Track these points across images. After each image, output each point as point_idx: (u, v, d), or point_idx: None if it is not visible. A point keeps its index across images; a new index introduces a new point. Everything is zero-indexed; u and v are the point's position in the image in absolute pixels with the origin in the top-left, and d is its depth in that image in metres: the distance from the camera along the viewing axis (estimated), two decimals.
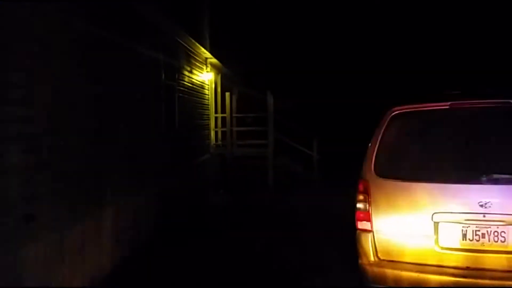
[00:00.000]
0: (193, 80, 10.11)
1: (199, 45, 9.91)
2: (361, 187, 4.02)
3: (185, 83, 9.40)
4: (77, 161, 4.58)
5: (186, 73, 9.55)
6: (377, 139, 4.07)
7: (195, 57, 10.34)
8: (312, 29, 19.24)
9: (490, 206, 3.58)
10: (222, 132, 12.80)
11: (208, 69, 11.65)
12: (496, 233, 3.59)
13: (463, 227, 3.66)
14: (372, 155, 4.06)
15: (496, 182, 3.62)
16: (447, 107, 3.94)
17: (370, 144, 4.13)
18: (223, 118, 12.71)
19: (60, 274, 4.18)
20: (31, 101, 3.81)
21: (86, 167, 4.76)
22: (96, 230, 4.95)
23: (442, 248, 3.72)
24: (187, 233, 6.91)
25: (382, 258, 3.92)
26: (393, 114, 4.10)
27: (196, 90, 10.47)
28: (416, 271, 3.74)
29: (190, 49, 9.81)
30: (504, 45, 14.57)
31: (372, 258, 3.94)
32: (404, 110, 4.10)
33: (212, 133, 12.19)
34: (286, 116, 12.60)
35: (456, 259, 3.68)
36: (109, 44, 5.43)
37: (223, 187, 11.05)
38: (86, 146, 4.80)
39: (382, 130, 4.07)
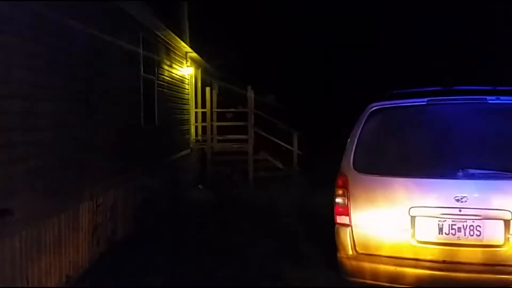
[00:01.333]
0: (173, 74, 10.04)
1: (178, 39, 9.83)
2: (340, 182, 4.06)
3: (165, 77, 9.33)
4: (53, 155, 4.50)
5: (166, 67, 9.47)
6: (356, 135, 4.11)
7: (175, 51, 10.26)
8: (294, 23, 19.25)
9: (466, 201, 3.65)
10: (202, 127, 12.74)
11: (188, 63, 11.57)
12: (471, 227, 3.66)
13: (439, 221, 3.72)
14: (351, 150, 4.10)
15: (472, 177, 3.69)
16: (424, 103, 4.00)
17: (349, 140, 4.17)
18: (203, 113, 12.65)
19: (37, 269, 4.11)
20: (4, 95, 3.72)
21: (63, 162, 4.69)
22: (73, 225, 4.88)
23: (419, 242, 3.78)
24: (165, 228, 6.87)
25: (360, 251, 3.97)
26: (372, 110, 4.15)
27: (176, 85, 10.39)
28: (393, 265, 3.80)
29: (170, 43, 9.73)
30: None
31: (350, 252, 3.99)
32: (382, 106, 4.15)
33: (192, 128, 12.12)
34: (267, 111, 12.60)
35: (432, 253, 3.75)
36: (86, 36, 5.35)
37: (203, 182, 11.01)
38: (63, 140, 4.72)
39: (361, 126, 4.11)
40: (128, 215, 6.64)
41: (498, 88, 4.05)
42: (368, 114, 4.13)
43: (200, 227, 7.04)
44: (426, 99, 4.00)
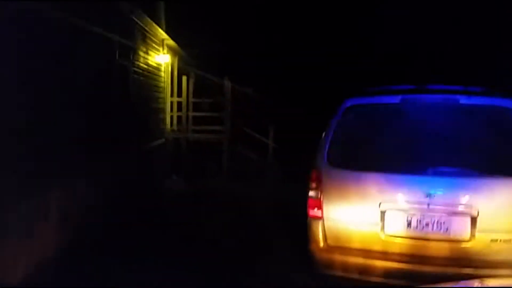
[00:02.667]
0: (149, 61, 9.91)
1: (156, 25, 9.69)
2: (313, 176, 4.12)
3: (141, 64, 9.20)
4: (18, 143, 4.37)
5: (142, 54, 9.34)
6: (331, 130, 4.18)
7: (151, 37, 10.11)
8: (274, 13, 19.16)
9: (434, 197, 3.75)
10: (178, 116, 12.64)
11: (165, 51, 11.42)
12: (439, 223, 3.77)
13: (408, 215, 3.82)
14: (325, 145, 4.17)
15: (441, 174, 3.81)
16: (398, 101, 4.09)
17: (324, 135, 4.23)
18: (179, 103, 12.55)
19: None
20: None
21: (29, 150, 4.54)
22: (37, 215, 4.75)
23: (388, 235, 3.87)
24: (136, 219, 6.72)
25: (331, 244, 4.04)
26: (347, 106, 4.22)
27: (152, 72, 10.27)
28: (363, 257, 3.88)
29: (146, 29, 9.58)
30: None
31: (321, 244, 4.06)
32: (357, 103, 4.22)
33: (168, 118, 12.01)
34: (245, 103, 12.60)
35: (401, 247, 3.85)
36: (58, 21, 5.22)
37: (177, 173, 10.96)
38: (31, 128, 4.59)
39: (336, 122, 4.19)
40: (100, 204, 6.55)
41: (470, 88, 4.15)
42: (343, 110, 4.21)
43: (172, 219, 6.97)
44: (400, 97, 4.09)
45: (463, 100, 3.96)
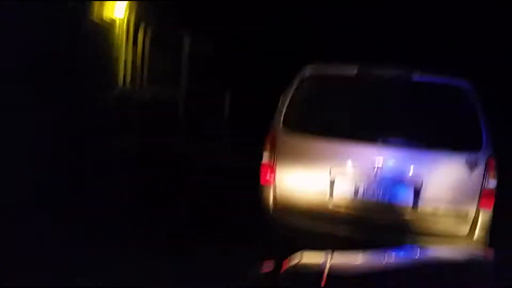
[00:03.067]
0: (103, 11, 9.43)
1: None
2: (268, 141, 4.17)
3: (95, 11, 8.74)
4: None
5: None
6: (288, 97, 4.22)
7: None
8: None
9: (382, 166, 3.90)
10: (133, 74, 12.22)
11: None
12: (385, 191, 3.94)
13: (356, 182, 3.96)
14: (282, 109, 4.21)
15: (389, 144, 3.94)
16: (354, 73, 4.16)
17: (281, 101, 4.26)
18: (134, 59, 12.12)
19: None
20: None
21: None
22: None
23: (336, 201, 4.00)
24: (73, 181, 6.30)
25: (281, 209, 4.13)
26: (305, 74, 4.25)
27: (106, 23, 9.81)
28: (312, 221, 4.01)
29: None
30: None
31: (272, 210, 4.14)
32: (315, 72, 4.26)
33: (121, 74, 11.61)
34: (203, 62, 12.34)
35: (348, 213, 4.00)
36: None
37: (130, 132, 10.70)
38: None
39: (293, 89, 4.23)
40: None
41: (422, 66, 4.28)
42: (300, 78, 4.24)
43: (117, 182, 6.67)
44: (356, 69, 4.16)
45: (417, 76, 4.08)
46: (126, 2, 11.12)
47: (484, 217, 3.88)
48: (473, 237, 3.89)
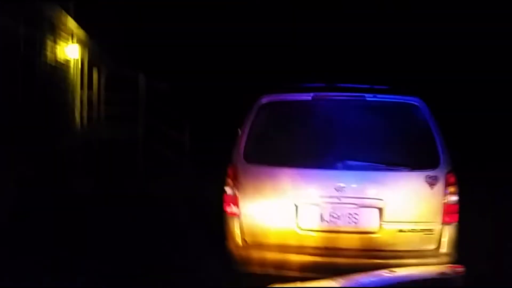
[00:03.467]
0: (57, 53, 9.32)
1: (66, 14, 9.13)
2: (230, 172, 4.13)
3: (48, 56, 8.63)
4: None
5: (50, 45, 8.75)
6: (247, 126, 4.20)
7: (60, 27, 9.50)
8: (190, 11, 18.87)
9: (344, 190, 3.91)
10: (89, 113, 12.04)
11: (75, 41, 10.78)
12: (350, 215, 3.94)
13: (321, 209, 3.95)
14: (242, 141, 4.18)
15: (350, 168, 3.98)
16: (309, 98, 4.20)
17: (240, 131, 4.24)
18: (90, 99, 11.95)
19: None
20: None
21: None
22: None
23: (302, 229, 3.97)
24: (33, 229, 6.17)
25: (248, 241, 4.06)
26: (262, 103, 4.27)
27: (61, 66, 9.67)
28: (279, 252, 3.95)
29: (55, 18, 8.99)
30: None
31: (239, 241, 4.06)
32: (271, 100, 4.29)
33: (77, 114, 11.40)
34: (160, 99, 12.29)
35: (315, 240, 3.97)
36: None
37: (88, 174, 10.41)
38: None
39: (252, 118, 4.22)
40: None
41: (375, 87, 4.38)
42: (258, 106, 4.25)
43: (78, 227, 6.49)
44: (311, 95, 4.21)
45: (369, 97, 4.16)
46: (81, 45, 11.05)
47: (449, 232, 3.93)
48: (440, 253, 3.92)
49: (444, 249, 3.93)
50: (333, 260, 3.89)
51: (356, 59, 15.60)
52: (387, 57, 15.12)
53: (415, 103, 4.12)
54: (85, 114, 11.95)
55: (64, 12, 9.02)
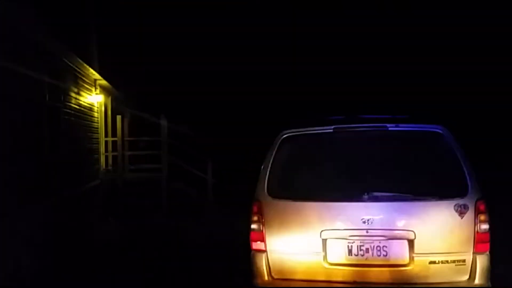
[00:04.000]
0: (81, 102, 9.62)
1: (87, 66, 9.49)
2: (255, 208, 4.10)
3: (72, 105, 8.92)
4: None
5: (73, 94, 9.06)
6: (269, 161, 4.20)
7: (83, 78, 9.87)
8: (207, 50, 19.44)
9: (372, 222, 3.84)
10: (114, 156, 12.27)
11: (98, 91, 11.17)
12: (378, 248, 3.85)
13: (348, 243, 3.88)
14: (265, 176, 4.17)
15: (376, 199, 3.90)
16: (331, 130, 4.20)
17: (262, 166, 4.24)
18: (115, 142, 12.22)
19: None
20: None
21: None
22: None
23: (330, 264, 3.89)
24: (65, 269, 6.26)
25: (275, 277, 4.00)
26: (283, 137, 4.27)
27: (85, 113, 9.96)
28: (308, 284, 3.87)
29: (78, 70, 9.35)
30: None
31: (266, 278, 4.01)
32: (293, 133, 4.30)
33: (102, 158, 11.62)
34: (182, 140, 12.49)
35: (343, 274, 3.87)
36: None
37: (113, 214, 10.52)
38: None
39: (273, 153, 4.22)
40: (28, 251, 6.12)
41: (396, 116, 4.36)
42: (279, 141, 4.25)
43: (110, 265, 6.59)
44: (332, 127, 4.21)
45: (391, 127, 4.14)
46: (104, 94, 11.42)
47: (481, 261, 3.80)
48: (473, 283, 3.78)
49: (477, 280, 3.79)
50: None
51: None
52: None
53: (438, 131, 4.07)
54: (110, 157, 12.18)
55: (86, 65, 9.36)
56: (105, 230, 9.39)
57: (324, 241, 3.90)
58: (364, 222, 3.85)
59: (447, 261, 3.80)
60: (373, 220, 3.84)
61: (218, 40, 19.42)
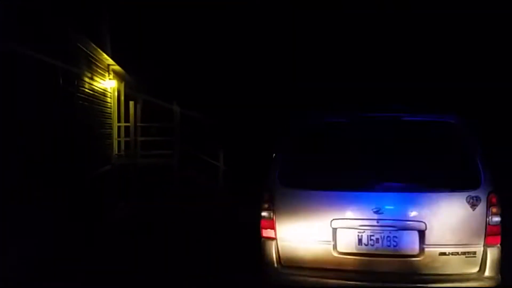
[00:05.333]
0: (94, 87, 9.67)
1: (101, 51, 9.52)
2: (265, 196, 4.11)
3: (86, 90, 8.97)
4: None
5: (87, 79, 9.11)
6: (281, 150, 4.20)
7: (97, 63, 9.91)
8: (219, 36, 19.33)
9: (383, 213, 3.83)
10: (126, 142, 12.35)
11: (111, 76, 11.21)
12: (388, 238, 3.85)
13: (358, 232, 3.88)
14: (277, 165, 4.17)
15: (388, 189, 3.89)
16: (344, 120, 4.18)
17: (275, 155, 4.24)
18: (127, 128, 12.30)
19: None
20: None
21: None
22: None
23: (340, 253, 3.90)
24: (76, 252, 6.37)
25: (285, 264, 4.02)
26: (296, 126, 4.26)
27: (98, 98, 10.02)
28: (316, 277, 3.89)
29: (92, 54, 9.39)
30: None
31: (275, 265, 4.03)
32: (306, 123, 4.28)
33: (115, 143, 11.70)
34: (194, 127, 12.52)
35: (353, 263, 3.88)
36: None
37: (125, 199, 10.64)
38: None
39: (286, 141, 4.22)
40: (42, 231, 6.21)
41: (411, 106, 4.32)
42: (292, 130, 4.24)
43: (124, 248, 6.69)
44: (346, 117, 4.19)
45: (405, 117, 4.10)
46: (117, 79, 11.47)
47: (492, 254, 3.79)
48: (483, 277, 3.77)
49: (487, 272, 3.78)
50: (371, 284, 3.80)
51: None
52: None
53: (453, 121, 4.03)
54: (122, 142, 12.27)
55: (99, 50, 9.39)
56: (117, 214, 9.50)
57: (334, 230, 3.91)
58: (375, 212, 3.84)
59: (457, 253, 3.79)
60: (384, 210, 3.84)
61: (232, 22, 19.22)
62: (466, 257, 3.79)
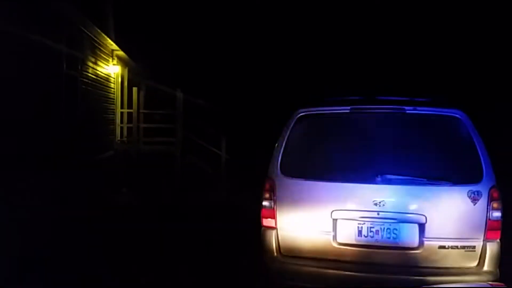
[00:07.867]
0: (98, 72, 9.66)
1: (105, 36, 9.49)
2: (267, 186, 4.12)
3: (89, 74, 8.96)
4: None
5: (91, 64, 9.10)
6: (283, 140, 4.19)
7: (101, 48, 9.89)
8: (225, 24, 19.21)
9: (383, 205, 3.83)
10: (129, 128, 12.36)
11: (115, 61, 11.20)
12: (388, 230, 3.85)
13: (358, 224, 3.88)
14: (279, 155, 4.17)
15: (389, 182, 3.88)
16: (347, 111, 4.16)
17: (277, 144, 4.24)
18: (130, 114, 12.30)
19: None
20: None
21: None
22: None
23: (340, 244, 3.91)
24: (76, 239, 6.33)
25: (284, 253, 4.04)
26: (299, 115, 4.24)
27: (101, 83, 10.01)
28: (315, 267, 3.90)
29: (96, 39, 9.36)
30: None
31: (275, 254, 4.05)
32: (309, 112, 4.26)
33: (117, 129, 11.73)
34: (197, 114, 12.51)
35: (352, 254, 3.89)
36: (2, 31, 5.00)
37: (127, 186, 10.67)
38: None
39: (288, 131, 4.20)
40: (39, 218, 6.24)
41: (415, 99, 4.30)
42: (295, 119, 4.23)
43: (121, 237, 6.67)
44: (349, 107, 4.16)
45: (409, 110, 4.08)
46: (121, 65, 11.42)
47: (491, 249, 3.79)
48: (481, 271, 3.78)
49: (486, 267, 3.78)
50: (370, 276, 3.81)
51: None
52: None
53: (457, 116, 4.00)
54: (125, 128, 12.28)
55: (103, 35, 9.36)
56: (118, 200, 9.53)
57: (335, 221, 3.92)
58: (375, 204, 3.84)
59: (456, 247, 3.79)
60: (384, 202, 3.83)
61: (239, 8, 19.07)
62: (465, 251, 3.79)
